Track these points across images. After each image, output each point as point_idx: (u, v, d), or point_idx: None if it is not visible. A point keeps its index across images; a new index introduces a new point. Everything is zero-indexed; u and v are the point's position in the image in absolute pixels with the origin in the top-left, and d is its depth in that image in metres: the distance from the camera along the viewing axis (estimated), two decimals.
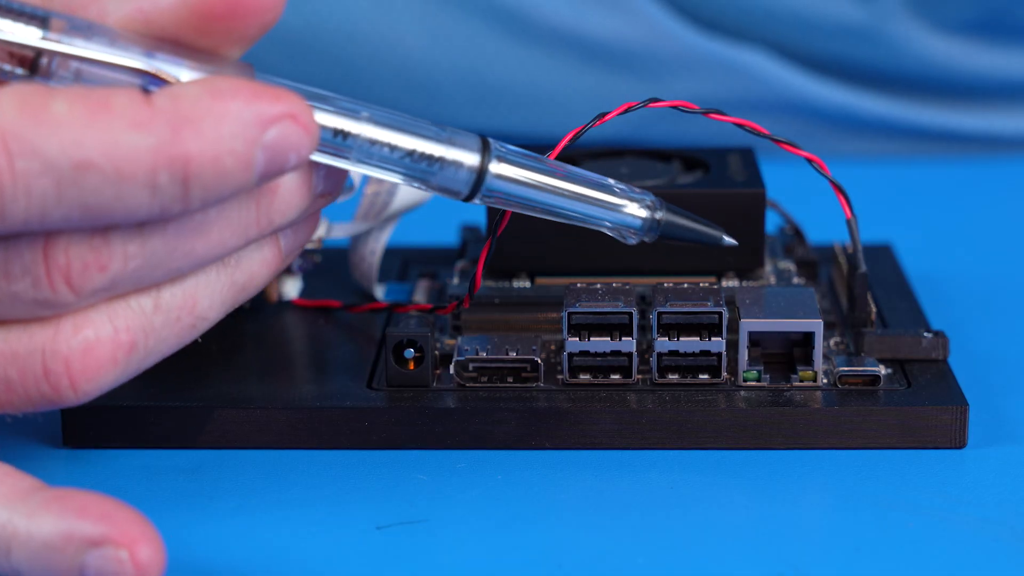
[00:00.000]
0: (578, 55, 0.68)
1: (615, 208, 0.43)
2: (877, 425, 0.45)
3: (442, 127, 0.41)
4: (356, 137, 0.40)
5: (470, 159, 0.41)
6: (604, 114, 0.45)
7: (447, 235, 0.58)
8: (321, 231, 0.52)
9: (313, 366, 0.49)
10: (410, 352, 0.46)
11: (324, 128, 0.39)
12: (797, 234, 0.54)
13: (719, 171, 0.51)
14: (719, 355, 0.46)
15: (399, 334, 0.46)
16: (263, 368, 0.48)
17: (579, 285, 0.47)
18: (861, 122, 0.70)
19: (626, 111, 0.45)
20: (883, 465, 0.44)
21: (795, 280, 0.51)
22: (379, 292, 0.53)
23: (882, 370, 0.46)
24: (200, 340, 0.42)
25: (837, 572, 0.40)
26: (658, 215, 0.43)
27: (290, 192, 0.40)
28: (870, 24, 0.67)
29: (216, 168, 0.37)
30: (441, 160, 0.41)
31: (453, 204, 0.56)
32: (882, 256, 0.56)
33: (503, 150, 0.41)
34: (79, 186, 0.36)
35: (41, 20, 0.38)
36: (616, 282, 0.47)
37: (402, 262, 0.56)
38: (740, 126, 0.46)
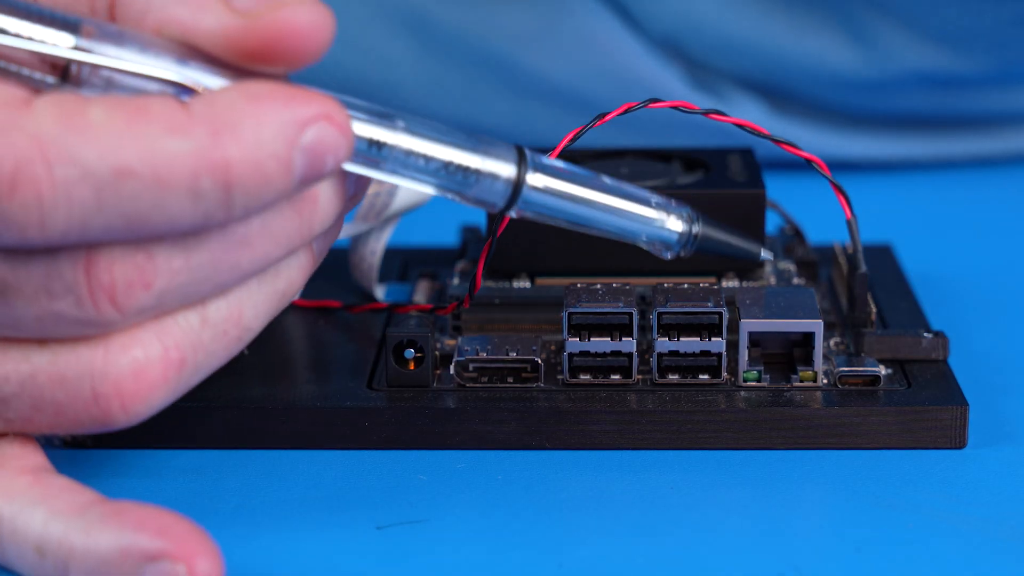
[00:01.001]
0: (576, 110, 0.69)
1: (652, 222, 0.42)
2: (877, 425, 0.45)
3: (478, 137, 0.40)
4: (392, 147, 0.39)
5: (506, 170, 0.40)
6: (604, 114, 0.45)
7: (447, 235, 0.58)
8: None
9: (313, 366, 0.49)
10: (410, 352, 0.46)
11: (359, 138, 0.39)
12: (797, 234, 0.54)
13: (719, 171, 0.51)
14: (719, 355, 0.46)
15: (399, 334, 0.46)
16: (263, 368, 0.48)
17: (579, 285, 0.47)
18: (856, 165, 0.70)
19: (626, 111, 0.45)
20: (883, 465, 0.44)
21: (795, 280, 0.51)
22: (379, 292, 0.53)
23: (882, 370, 0.46)
24: (246, 352, 0.41)
25: (837, 572, 0.40)
26: (695, 229, 0.42)
27: (328, 200, 0.39)
28: (869, 72, 0.67)
29: (258, 172, 0.36)
30: (477, 172, 0.40)
31: (453, 204, 0.56)
32: (882, 256, 0.56)
33: (539, 161, 0.41)
34: (119, 194, 0.36)
35: (72, 26, 0.37)
36: (616, 282, 0.47)
37: (402, 262, 0.56)
38: (740, 126, 0.46)
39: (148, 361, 0.38)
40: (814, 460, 0.45)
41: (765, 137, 0.46)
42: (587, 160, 0.53)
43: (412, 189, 0.51)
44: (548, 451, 0.45)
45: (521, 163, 0.40)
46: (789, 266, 0.52)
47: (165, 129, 0.36)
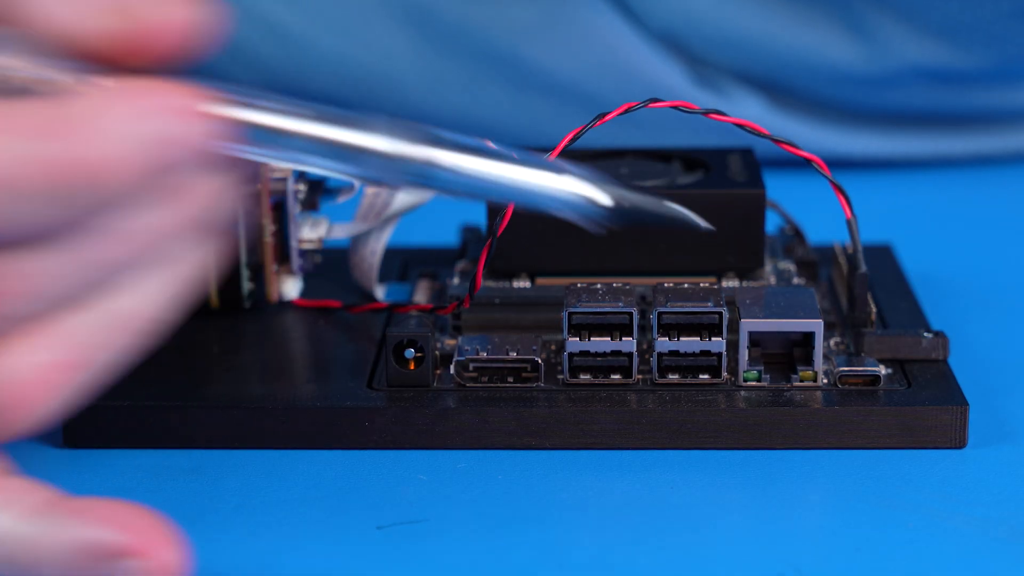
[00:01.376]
0: (577, 104, 0.69)
1: (575, 190, 0.40)
2: (877, 425, 0.45)
3: (376, 115, 0.39)
4: (275, 131, 0.38)
5: (416, 150, 0.38)
6: (604, 114, 0.45)
7: (447, 235, 0.58)
8: (321, 231, 0.52)
9: (313, 366, 0.49)
10: (410, 352, 0.46)
11: (237, 121, 0.37)
12: (797, 234, 0.54)
13: (719, 171, 0.51)
14: (719, 355, 0.46)
15: (399, 334, 0.46)
16: (263, 368, 0.48)
17: (579, 285, 0.47)
18: (856, 162, 0.70)
19: (626, 111, 0.45)
20: (883, 465, 0.44)
21: (795, 280, 0.51)
22: (379, 292, 0.53)
23: (882, 370, 0.46)
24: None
25: (837, 572, 0.40)
26: (620, 196, 0.40)
27: (207, 184, 0.38)
28: (869, 67, 0.67)
29: (113, 168, 0.35)
30: (378, 153, 0.38)
31: (453, 204, 0.56)
32: (882, 256, 0.56)
33: (445, 136, 0.39)
34: None
35: None
36: (616, 282, 0.47)
37: (402, 262, 0.56)
38: (740, 126, 0.46)
39: (35, 367, 0.37)
40: (814, 460, 0.45)
41: (765, 137, 0.46)
42: (587, 160, 0.53)
43: (412, 190, 0.51)
44: (548, 451, 0.45)
45: (427, 139, 0.38)
46: (789, 266, 0.52)
47: (15, 130, 0.35)
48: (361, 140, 0.39)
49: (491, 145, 0.40)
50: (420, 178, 0.39)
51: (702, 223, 0.41)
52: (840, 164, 0.68)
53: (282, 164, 0.39)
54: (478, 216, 0.55)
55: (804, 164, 0.46)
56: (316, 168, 0.39)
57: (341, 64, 0.70)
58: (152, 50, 0.37)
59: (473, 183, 0.39)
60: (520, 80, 0.69)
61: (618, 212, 0.40)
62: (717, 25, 0.68)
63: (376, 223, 0.52)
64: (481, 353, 0.46)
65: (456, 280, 0.52)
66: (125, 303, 0.38)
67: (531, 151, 0.40)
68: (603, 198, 0.40)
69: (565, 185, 0.40)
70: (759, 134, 0.46)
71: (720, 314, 0.46)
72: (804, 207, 0.57)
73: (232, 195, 0.39)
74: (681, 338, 0.46)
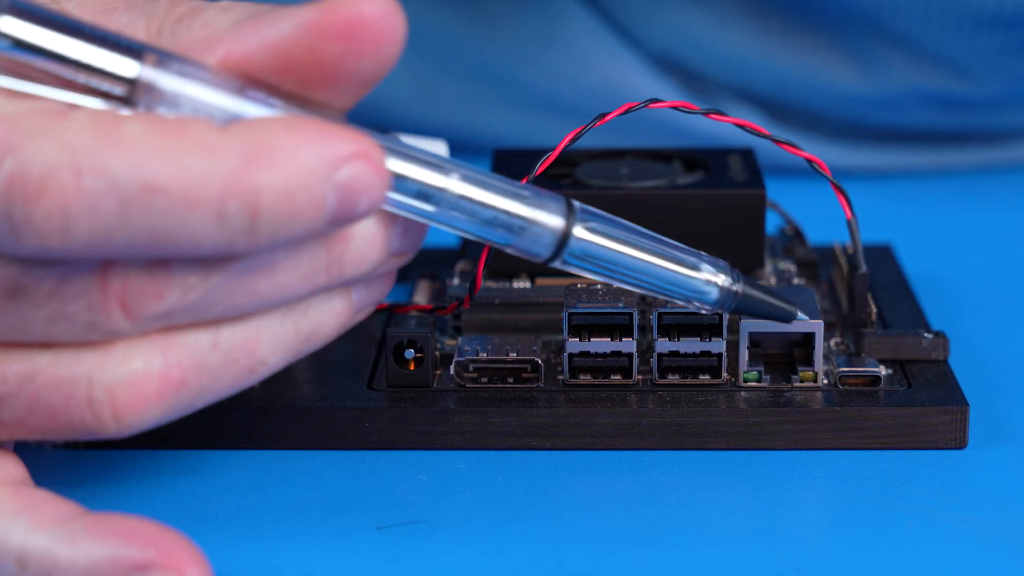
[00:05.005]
0: (572, 125, 0.69)
1: (693, 281, 0.42)
2: (877, 425, 0.45)
3: (526, 187, 0.40)
4: (442, 193, 0.39)
5: (554, 222, 0.40)
6: (604, 115, 0.45)
7: (447, 235, 0.58)
8: None
9: (313, 366, 0.49)
10: (410, 352, 0.46)
11: (410, 181, 0.38)
12: (797, 234, 0.54)
13: (719, 171, 0.51)
14: (719, 356, 0.46)
15: (399, 334, 0.46)
16: None
17: (579, 285, 0.47)
18: (856, 174, 0.70)
19: (626, 112, 0.45)
20: (883, 465, 0.44)
21: (795, 280, 0.51)
22: None
23: (882, 370, 0.46)
24: (259, 387, 0.40)
25: (837, 572, 0.40)
26: (736, 287, 0.42)
27: (364, 242, 0.39)
28: (869, 90, 0.67)
29: (286, 203, 0.36)
30: (525, 222, 0.40)
31: None
32: (882, 256, 0.56)
33: (588, 214, 0.40)
34: (145, 209, 0.35)
35: (136, 53, 0.37)
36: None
37: None
38: (740, 126, 0.46)
39: (147, 374, 0.37)
40: (814, 460, 0.45)
41: (766, 137, 0.46)
42: (586, 160, 0.53)
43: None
44: (548, 451, 0.45)
45: (569, 215, 0.40)
46: (789, 266, 0.52)
47: (199, 149, 0.35)
48: (537, 217, 0.40)
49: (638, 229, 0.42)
50: (574, 258, 0.41)
51: (801, 315, 0.44)
52: (839, 175, 0.68)
53: (439, 227, 0.40)
54: None
55: (804, 170, 0.46)
56: (467, 235, 0.40)
57: None
58: (322, 75, 0.37)
59: (612, 265, 0.41)
60: (516, 100, 0.69)
61: (728, 298, 0.43)
62: (714, 47, 0.67)
63: None
64: (481, 354, 0.46)
65: (456, 280, 0.52)
66: (250, 338, 0.39)
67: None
68: (717, 281, 0.42)
69: (687, 272, 0.42)
70: (759, 134, 0.46)
71: (720, 314, 0.46)
72: (804, 208, 0.57)
73: (383, 260, 0.39)
74: (681, 339, 0.46)
